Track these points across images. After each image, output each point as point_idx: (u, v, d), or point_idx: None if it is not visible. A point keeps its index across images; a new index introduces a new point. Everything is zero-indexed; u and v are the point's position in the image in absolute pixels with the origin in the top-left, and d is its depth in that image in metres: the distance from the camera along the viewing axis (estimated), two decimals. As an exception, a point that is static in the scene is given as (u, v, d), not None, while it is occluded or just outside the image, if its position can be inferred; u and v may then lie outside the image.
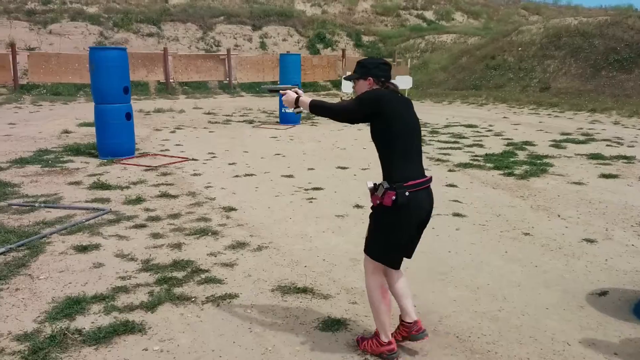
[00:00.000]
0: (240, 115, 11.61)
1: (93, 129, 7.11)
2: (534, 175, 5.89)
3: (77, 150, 6.95)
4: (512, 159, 6.77)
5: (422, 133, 10.26)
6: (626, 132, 9.28)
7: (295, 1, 23.18)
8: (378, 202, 2.15)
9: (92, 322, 2.56)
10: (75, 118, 10.11)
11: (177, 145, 7.73)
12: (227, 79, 17.03)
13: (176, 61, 16.09)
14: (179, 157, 6.79)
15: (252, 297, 2.88)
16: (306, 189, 5.24)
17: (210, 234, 3.87)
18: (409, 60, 19.31)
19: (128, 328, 2.49)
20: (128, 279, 3.07)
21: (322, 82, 18.92)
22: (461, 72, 17.97)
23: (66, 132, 8.57)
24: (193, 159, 6.69)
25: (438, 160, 6.82)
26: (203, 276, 3.11)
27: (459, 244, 3.73)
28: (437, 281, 3.13)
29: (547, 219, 4.35)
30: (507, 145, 7.88)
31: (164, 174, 5.82)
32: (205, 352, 2.35)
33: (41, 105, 12.44)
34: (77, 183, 5.33)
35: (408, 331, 2.35)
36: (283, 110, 10.17)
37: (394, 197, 2.09)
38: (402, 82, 13.51)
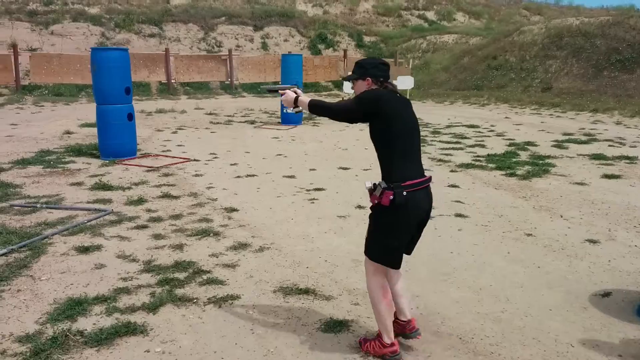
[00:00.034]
0: (242, 116, 11.61)
1: (95, 130, 7.12)
2: (536, 175, 5.87)
3: (78, 151, 6.96)
4: (514, 160, 6.75)
5: (424, 133, 10.16)
6: (628, 132, 9.25)
7: (296, 2, 23.19)
8: (376, 201, 2.16)
9: (94, 324, 2.56)
10: (77, 119, 10.12)
11: (178, 145, 7.73)
12: (229, 79, 17.04)
13: (178, 62, 16.11)
14: (180, 158, 6.79)
15: (254, 298, 2.88)
16: (308, 190, 5.23)
17: (212, 234, 3.86)
18: (411, 60, 19.30)
19: (130, 329, 2.49)
20: (130, 280, 3.07)
21: (323, 83, 18.92)
22: (463, 73, 17.95)
23: (68, 132, 8.58)
24: (195, 160, 6.69)
25: (440, 160, 6.80)
26: (205, 277, 3.11)
27: (461, 245, 3.72)
28: (440, 282, 3.11)
29: (550, 219, 4.33)
30: (509, 145, 7.86)
31: (166, 175, 5.82)
32: (207, 353, 2.35)
33: (43, 105, 12.46)
34: (79, 184, 5.33)
35: (401, 328, 2.37)
36: (284, 111, 10.17)
37: (391, 197, 2.10)
38: (404, 82, 13.50)
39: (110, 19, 17.97)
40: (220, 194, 5.05)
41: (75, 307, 2.70)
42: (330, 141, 8.34)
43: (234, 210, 4.50)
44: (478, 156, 7.04)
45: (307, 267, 3.31)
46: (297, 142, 8.27)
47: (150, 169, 6.12)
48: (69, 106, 12.56)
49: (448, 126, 10.11)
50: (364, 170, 6.13)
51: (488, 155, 7.09)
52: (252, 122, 10.60)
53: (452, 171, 6.18)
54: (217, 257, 3.44)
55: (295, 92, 2.45)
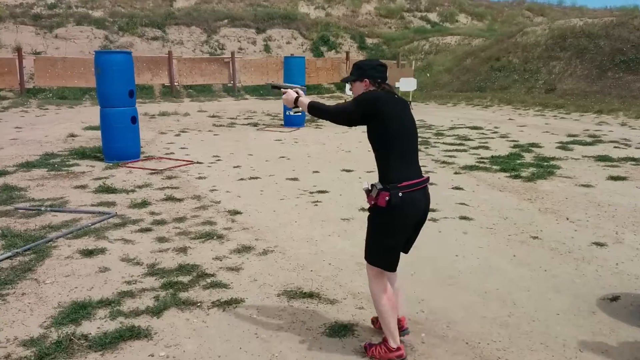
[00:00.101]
0: (245, 118, 11.62)
1: (99, 133, 7.13)
2: (541, 177, 5.83)
3: (82, 154, 6.98)
4: (518, 161, 6.72)
5: (427, 135, 10.12)
6: (633, 133, 9.19)
7: (299, 4, 23.23)
8: (373, 202, 2.18)
9: (98, 328, 2.55)
10: (81, 122, 10.16)
11: (182, 148, 7.74)
12: (232, 82, 17.07)
13: (181, 64, 16.15)
14: (184, 161, 6.79)
15: (258, 301, 2.86)
16: (311, 192, 5.22)
17: (215, 237, 3.85)
18: (413, 62, 19.28)
19: (134, 333, 2.48)
20: (134, 283, 3.06)
21: (326, 85, 18.93)
22: (466, 74, 17.91)
23: (72, 135, 8.61)
24: (198, 162, 6.69)
25: (444, 162, 6.77)
26: (209, 280, 3.10)
27: (467, 248, 3.69)
28: (445, 286, 3.09)
29: (556, 222, 4.30)
30: (513, 147, 7.83)
31: (169, 178, 5.83)
32: (212, 358, 2.33)
33: (47, 109, 12.52)
34: (83, 187, 5.34)
35: None
36: (287, 113, 10.18)
37: (387, 198, 2.12)
38: (407, 84, 13.48)
39: (113, 22, 18.05)
40: (223, 196, 5.04)
41: (79, 310, 2.69)
42: (333, 143, 8.33)
43: (237, 213, 4.49)
44: (482, 158, 7.01)
45: (311, 270, 3.29)
46: (300, 145, 8.26)
47: (153, 171, 6.13)
48: (73, 109, 12.61)
49: (451, 128, 10.08)
50: (367, 172, 6.11)
51: (492, 157, 7.05)
52: (255, 125, 10.60)
53: (456, 173, 6.16)
54: (221, 260, 3.43)
55: (297, 93, 2.45)
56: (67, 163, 6.48)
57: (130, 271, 3.23)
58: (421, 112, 12.42)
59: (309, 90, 16.83)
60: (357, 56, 20.04)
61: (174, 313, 2.71)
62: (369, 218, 2.27)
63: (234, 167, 6.48)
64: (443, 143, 8.28)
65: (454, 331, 2.56)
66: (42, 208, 4.48)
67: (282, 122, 10.63)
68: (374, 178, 2.27)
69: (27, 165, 6.26)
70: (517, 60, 16.97)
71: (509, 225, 4.19)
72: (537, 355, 2.36)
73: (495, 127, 10.05)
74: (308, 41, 20.92)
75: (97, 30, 17.44)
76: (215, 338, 2.49)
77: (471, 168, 6.38)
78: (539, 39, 17.24)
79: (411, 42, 21.93)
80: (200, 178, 5.83)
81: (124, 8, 19.42)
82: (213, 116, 11.83)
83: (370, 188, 2.20)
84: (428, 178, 2.28)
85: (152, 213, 4.44)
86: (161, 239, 3.80)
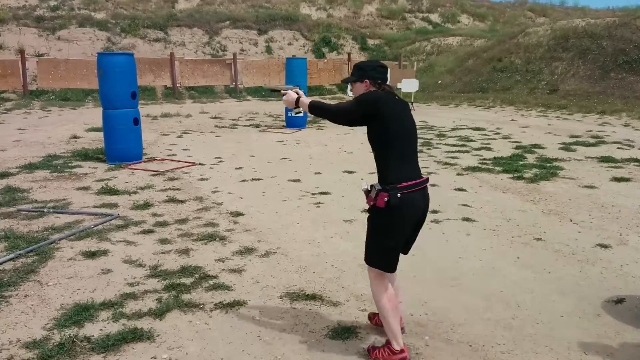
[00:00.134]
0: (247, 120, 11.62)
1: (101, 134, 7.15)
2: (544, 178, 5.81)
3: (85, 156, 6.99)
4: (521, 162, 6.69)
5: (429, 136, 10.10)
6: (637, 134, 9.15)
7: (300, 5, 23.25)
8: (372, 203, 2.19)
9: (101, 330, 2.55)
10: (84, 123, 10.18)
11: (184, 149, 7.75)
12: (234, 83, 17.09)
13: (183, 66, 16.18)
14: (186, 162, 6.80)
15: (261, 303, 2.86)
16: (313, 194, 5.21)
17: (217, 239, 3.85)
18: (415, 63, 19.27)
19: (136, 335, 2.48)
20: (136, 285, 3.06)
21: (327, 86, 18.93)
22: (468, 75, 17.89)
23: (75, 137, 8.63)
24: (200, 164, 6.69)
25: (446, 164, 6.76)
26: (211, 282, 3.09)
27: (470, 250, 3.68)
28: (448, 287, 3.08)
29: (559, 223, 4.28)
30: (516, 148, 7.80)
31: (172, 179, 5.83)
32: (214, 360, 2.32)
33: (50, 110, 12.55)
34: (86, 188, 5.35)
35: None
36: (289, 114, 10.17)
37: (386, 199, 2.12)
38: (408, 85, 13.46)
39: (116, 24, 18.10)
40: (225, 198, 5.04)
41: (82, 312, 2.69)
42: (335, 145, 8.32)
43: (239, 214, 4.49)
44: (484, 159, 6.99)
45: (313, 272, 3.28)
46: (302, 146, 8.25)
47: (156, 173, 6.13)
48: (75, 111, 12.64)
49: (453, 129, 10.06)
50: (369, 173, 6.09)
51: (495, 158, 7.03)
52: (257, 126, 10.61)
53: (458, 174, 6.14)
54: (223, 262, 3.42)
55: (297, 93, 2.45)
56: (70, 164, 6.49)
57: (132, 273, 3.23)
58: (423, 113, 12.40)
59: (311, 91, 16.82)
60: (358, 57, 20.04)
61: (176, 315, 2.71)
62: (369, 219, 2.28)
63: (236, 168, 6.47)
64: (445, 144, 8.26)
65: (457, 334, 2.55)
66: (45, 210, 4.48)
67: (284, 124, 10.63)
68: (376, 179, 2.27)
69: (30, 167, 6.27)
70: (520, 61, 16.94)
71: (512, 227, 4.18)
72: (541, 358, 2.34)
73: (498, 128, 10.02)
74: (310, 42, 20.94)
75: (99, 32, 17.49)
76: (218, 340, 2.48)
77: (474, 169, 6.37)
78: (541, 40, 17.21)
79: (413, 43, 21.91)
80: (202, 179, 5.83)
81: (126, 10, 19.48)
82: (215, 117, 11.83)
83: (369, 189, 2.21)
84: (427, 179, 2.28)
85: (155, 215, 4.44)
86: (163, 241, 3.80)
